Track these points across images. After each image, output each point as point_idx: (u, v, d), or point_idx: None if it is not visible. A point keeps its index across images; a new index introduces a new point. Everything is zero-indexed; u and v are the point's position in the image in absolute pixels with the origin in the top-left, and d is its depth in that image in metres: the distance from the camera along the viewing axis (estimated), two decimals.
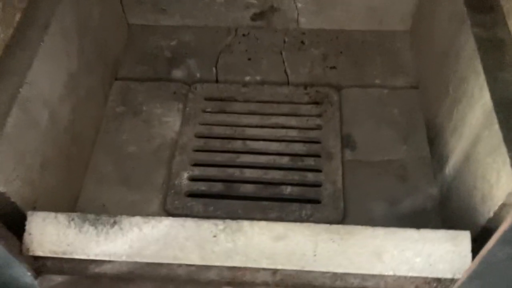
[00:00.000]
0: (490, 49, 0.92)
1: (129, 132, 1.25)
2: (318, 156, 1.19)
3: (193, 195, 1.14)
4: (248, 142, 1.22)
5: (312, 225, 0.78)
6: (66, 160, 1.08)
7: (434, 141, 1.15)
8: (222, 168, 1.18)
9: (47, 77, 0.99)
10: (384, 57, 1.38)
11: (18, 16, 1.01)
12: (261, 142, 1.22)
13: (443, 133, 1.09)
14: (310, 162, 1.18)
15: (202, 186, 1.15)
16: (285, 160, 1.19)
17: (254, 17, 1.44)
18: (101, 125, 1.26)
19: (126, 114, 1.28)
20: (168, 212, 1.11)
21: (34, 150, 0.94)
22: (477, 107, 0.90)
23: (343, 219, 1.10)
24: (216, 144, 1.22)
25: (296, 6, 1.40)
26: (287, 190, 1.14)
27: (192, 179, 1.16)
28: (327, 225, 0.78)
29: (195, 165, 1.19)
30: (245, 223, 0.79)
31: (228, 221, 0.79)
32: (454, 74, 1.04)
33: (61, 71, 1.06)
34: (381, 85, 1.33)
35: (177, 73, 1.37)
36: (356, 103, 1.29)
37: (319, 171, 1.17)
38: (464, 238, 0.76)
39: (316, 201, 1.12)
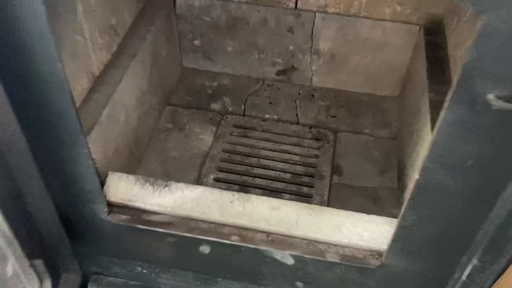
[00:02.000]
0: (439, 108, 1.31)
1: (174, 142, 1.66)
2: (312, 176, 1.57)
3: None
4: (261, 160, 1.61)
5: (297, 203, 1.16)
6: (128, 152, 1.48)
7: (400, 176, 1.52)
8: (240, 175, 1.57)
9: (128, 90, 1.42)
10: (375, 113, 1.79)
11: (115, 47, 1.46)
12: (271, 161, 1.61)
13: (406, 168, 1.47)
14: (306, 179, 1.56)
15: (223, 187, 1.53)
16: (287, 176, 1.57)
17: (278, 73, 1.87)
18: (154, 135, 1.67)
19: (173, 129, 1.70)
20: None
21: (112, 138, 1.35)
22: (425, 147, 1.29)
23: None
24: (237, 158, 1.62)
25: (311, 68, 1.83)
26: (286, 197, 1.51)
27: (216, 180, 1.55)
28: (308, 204, 1.15)
29: (220, 170, 1.58)
30: (253, 197, 1.16)
31: (242, 194, 1.17)
32: (416, 125, 1.44)
33: (136, 88, 1.49)
34: (369, 134, 1.72)
35: (215, 106, 1.79)
36: (347, 144, 1.68)
37: (311, 186, 1.54)
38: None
39: None
